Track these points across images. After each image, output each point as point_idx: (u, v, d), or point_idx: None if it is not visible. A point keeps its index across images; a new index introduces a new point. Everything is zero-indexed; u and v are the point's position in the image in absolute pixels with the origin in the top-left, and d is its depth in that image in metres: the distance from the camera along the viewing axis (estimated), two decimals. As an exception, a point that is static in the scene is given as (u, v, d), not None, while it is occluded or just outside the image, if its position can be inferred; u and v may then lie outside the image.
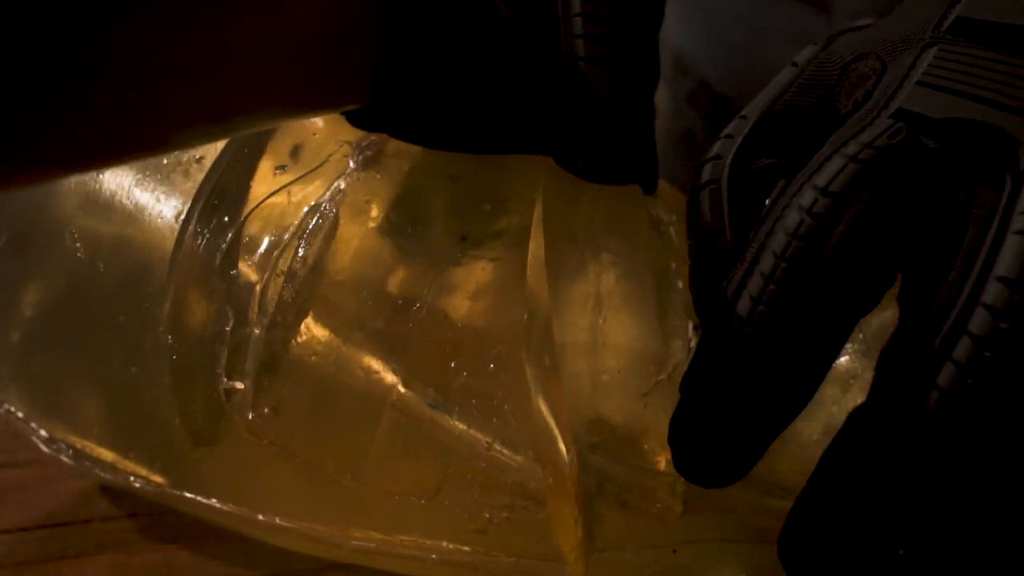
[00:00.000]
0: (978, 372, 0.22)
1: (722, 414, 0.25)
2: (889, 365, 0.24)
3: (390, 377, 0.33)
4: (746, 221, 0.27)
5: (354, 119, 0.34)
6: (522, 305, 0.33)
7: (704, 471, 0.26)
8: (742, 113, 0.30)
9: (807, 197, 0.25)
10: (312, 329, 0.34)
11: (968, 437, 0.22)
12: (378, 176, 0.35)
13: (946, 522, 0.22)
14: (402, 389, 0.33)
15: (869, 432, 0.23)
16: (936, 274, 0.24)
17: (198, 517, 0.38)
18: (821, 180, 0.25)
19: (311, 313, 0.34)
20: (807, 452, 0.32)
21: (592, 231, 0.35)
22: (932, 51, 0.27)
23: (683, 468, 0.26)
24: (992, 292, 0.23)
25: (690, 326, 0.38)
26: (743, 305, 0.25)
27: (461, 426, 0.32)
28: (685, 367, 0.32)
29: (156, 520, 0.41)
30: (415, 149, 0.35)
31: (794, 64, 0.30)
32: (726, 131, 0.30)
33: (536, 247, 0.34)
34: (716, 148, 0.29)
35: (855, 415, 0.24)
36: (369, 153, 0.35)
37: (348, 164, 0.35)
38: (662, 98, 0.74)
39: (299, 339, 0.34)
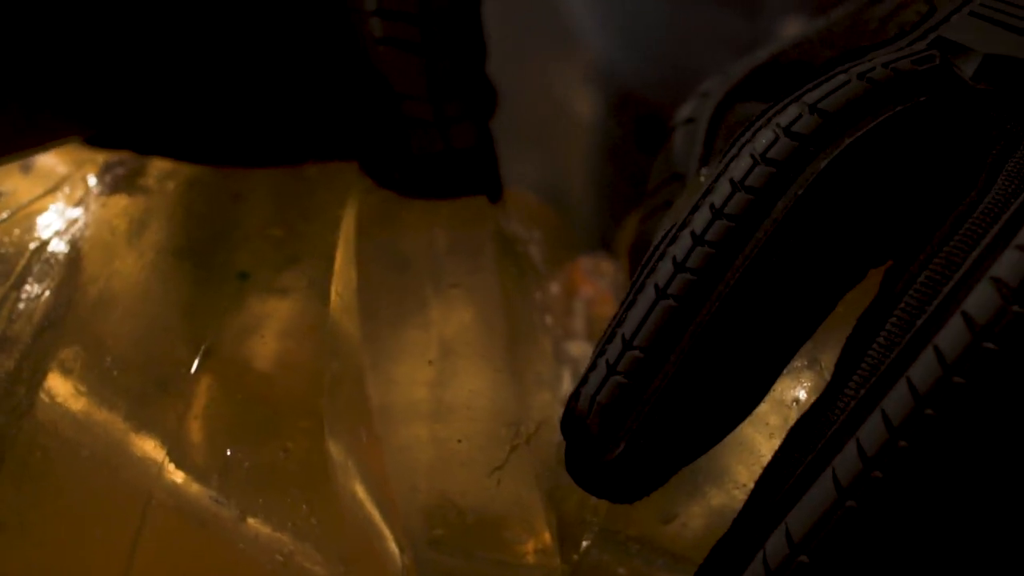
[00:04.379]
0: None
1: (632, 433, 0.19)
2: (849, 362, 0.18)
3: (154, 465, 0.24)
4: None
5: (94, 140, 0.26)
6: (323, 358, 0.24)
7: (607, 494, 0.20)
8: (753, 54, 0.24)
9: (788, 114, 0.19)
10: (46, 409, 0.25)
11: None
12: (132, 200, 0.26)
13: None
14: (172, 479, 0.24)
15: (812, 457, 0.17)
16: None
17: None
18: (811, 96, 0.19)
19: (43, 388, 0.25)
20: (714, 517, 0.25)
21: (430, 256, 0.27)
22: None
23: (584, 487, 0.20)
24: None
25: (566, 373, 0.30)
26: (645, 296, 0.19)
27: (249, 530, 0.24)
28: (553, 427, 0.25)
29: None
30: (185, 166, 0.27)
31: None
32: (725, 69, 0.24)
33: (343, 280, 0.25)
34: (705, 85, 0.24)
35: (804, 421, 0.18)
36: (121, 171, 0.26)
37: (90, 186, 0.26)
38: (587, 108, 0.68)
39: (26, 425, 0.25)
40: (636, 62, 0.63)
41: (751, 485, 0.25)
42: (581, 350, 0.32)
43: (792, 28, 0.56)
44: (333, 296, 0.25)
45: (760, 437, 0.24)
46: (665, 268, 0.19)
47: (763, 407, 0.25)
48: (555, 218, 0.34)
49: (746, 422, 0.23)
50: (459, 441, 0.24)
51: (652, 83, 0.63)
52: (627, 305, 0.19)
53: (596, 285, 0.38)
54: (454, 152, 0.26)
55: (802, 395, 0.24)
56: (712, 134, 0.23)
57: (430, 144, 0.25)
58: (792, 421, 0.25)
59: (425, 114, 0.25)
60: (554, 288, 0.32)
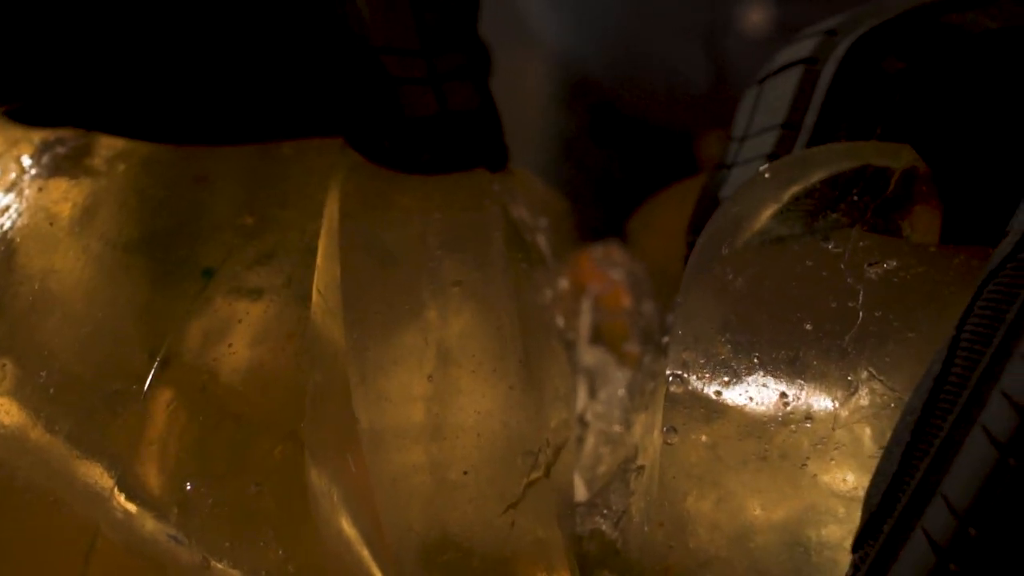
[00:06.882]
0: None
1: None
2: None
3: (102, 495, 0.21)
4: (837, 126, 0.20)
5: (25, 114, 0.22)
6: (304, 369, 0.20)
7: None
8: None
9: None
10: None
11: None
12: (76, 184, 0.22)
13: None
14: (122, 511, 0.21)
15: None
16: None
17: None
18: None
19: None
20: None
21: (426, 248, 0.23)
22: None
23: None
24: None
25: (582, 386, 0.27)
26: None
27: (216, 569, 0.20)
28: (572, 451, 0.21)
29: None
30: (138, 144, 0.23)
31: None
32: (853, 11, 0.22)
33: (327, 278, 0.22)
34: (832, 22, 0.22)
35: None
36: (62, 151, 0.22)
37: (24, 168, 0.22)
38: (541, 91, 0.66)
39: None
40: (591, 50, 0.61)
41: (800, 543, 0.21)
42: (595, 358, 0.29)
43: (752, 15, 0.54)
44: (314, 296, 0.21)
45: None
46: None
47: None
48: (562, 203, 0.30)
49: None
50: (465, 473, 0.20)
51: (607, 71, 0.61)
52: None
53: (606, 276, 0.35)
54: (450, 115, 0.22)
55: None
56: (841, 79, 0.20)
57: (423, 105, 0.22)
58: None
59: (415, 70, 0.21)
60: (563, 284, 0.28)
